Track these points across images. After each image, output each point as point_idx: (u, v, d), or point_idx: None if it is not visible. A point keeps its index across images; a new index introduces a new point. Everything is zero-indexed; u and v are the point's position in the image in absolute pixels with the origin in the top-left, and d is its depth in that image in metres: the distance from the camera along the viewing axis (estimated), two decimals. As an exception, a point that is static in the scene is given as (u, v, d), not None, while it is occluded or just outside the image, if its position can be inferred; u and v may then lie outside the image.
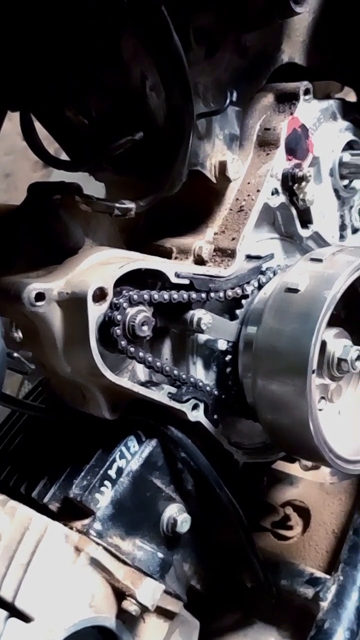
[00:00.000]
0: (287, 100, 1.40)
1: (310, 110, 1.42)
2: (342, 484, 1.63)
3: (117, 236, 1.30)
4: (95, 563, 1.17)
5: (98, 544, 1.18)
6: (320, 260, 1.25)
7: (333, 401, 1.38)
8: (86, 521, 1.19)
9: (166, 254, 1.34)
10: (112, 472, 1.21)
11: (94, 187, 1.42)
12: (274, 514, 1.65)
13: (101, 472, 1.21)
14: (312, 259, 1.26)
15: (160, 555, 1.24)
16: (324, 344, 1.26)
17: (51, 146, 1.34)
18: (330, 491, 1.63)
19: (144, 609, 1.19)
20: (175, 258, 1.34)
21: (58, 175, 1.35)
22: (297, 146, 1.38)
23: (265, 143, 1.37)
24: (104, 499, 1.20)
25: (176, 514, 1.26)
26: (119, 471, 1.22)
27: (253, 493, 1.51)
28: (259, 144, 1.38)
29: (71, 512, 1.21)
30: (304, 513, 1.64)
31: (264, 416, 1.26)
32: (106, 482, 1.20)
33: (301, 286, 1.21)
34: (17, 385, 2.32)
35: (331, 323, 1.29)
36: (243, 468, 1.41)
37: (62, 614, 1.12)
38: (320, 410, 1.36)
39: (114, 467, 1.22)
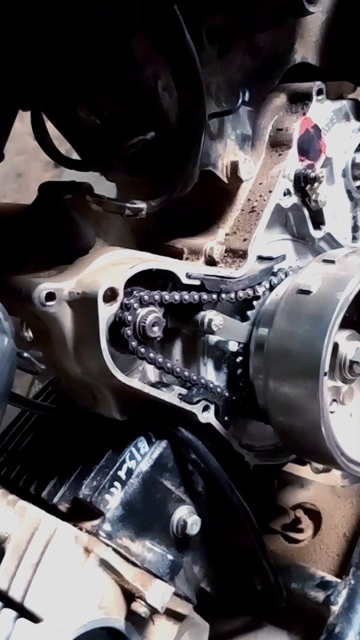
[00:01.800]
0: (300, 100, 1.39)
1: (323, 111, 1.41)
2: (353, 486, 1.62)
3: (128, 236, 1.29)
4: (104, 564, 1.17)
5: (108, 545, 1.17)
6: (332, 262, 1.24)
7: (345, 404, 1.36)
8: (96, 522, 1.18)
9: (177, 254, 1.33)
10: (121, 473, 1.21)
11: (105, 188, 1.42)
12: (285, 516, 1.64)
13: (111, 472, 1.21)
14: (325, 261, 1.26)
15: (170, 557, 1.24)
16: (336, 346, 1.25)
17: (62, 146, 1.34)
18: (341, 494, 1.62)
19: (153, 611, 1.18)
20: (187, 259, 1.33)
21: (69, 176, 1.35)
22: (309, 147, 1.37)
23: (278, 143, 1.37)
24: (113, 500, 1.19)
25: (186, 516, 1.26)
26: (129, 472, 1.22)
27: (263, 495, 1.51)
28: (271, 145, 1.37)
29: (81, 513, 1.20)
30: (315, 516, 1.63)
31: (276, 418, 1.26)
32: (116, 483, 1.20)
33: (313, 288, 1.21)
34: (27, 385, 2.32)
35: (343, 325, 1.28)
36: (254, 470, 1.40)
37: (72, 614, 1.12)
38: (332, 412, 1.36)
39: (124, 468, 1.21)
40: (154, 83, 1.16)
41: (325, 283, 1.20)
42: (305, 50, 1.42)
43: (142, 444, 1.24)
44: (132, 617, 1.19)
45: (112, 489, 1.20)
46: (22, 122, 1.25)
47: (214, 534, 1.33)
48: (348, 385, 1.34)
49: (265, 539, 1.48)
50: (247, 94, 1.28)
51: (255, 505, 1.34)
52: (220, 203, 1.36)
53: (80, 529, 1.18)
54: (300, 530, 1.61)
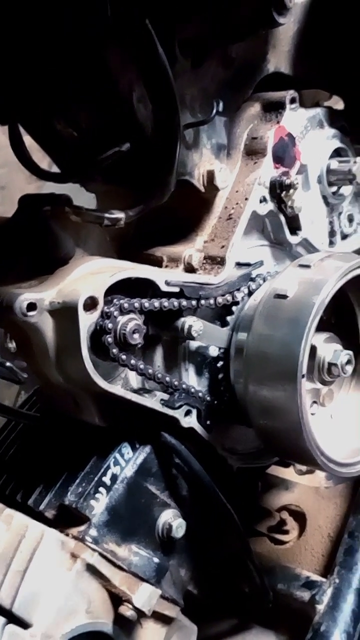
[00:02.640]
0: (274, 109, 1.42)
1: (297, 119, 1.44)
2: (337, 488, 1.65)
3: (108, 246, 1.31)
4: (91, 569, 1.19)
5: (94, 550, 1.19)
6: (308, 267, 1.27)
7: (325, 405, 1.39)
8: (82, 528, 1.20)
9: (157, 262, 1.35)
10: (106, 479, 1.23)
11: (86, 198, 1.44)
12: (270, 518, 1.66)
13: (96, 479, 1.22)
14: (301, 265, 1.28)
15: (156, 560, 1.25)
16: (314, 349, 1.27)
17: (45, 159, 1.36)
18: (325, 495, 1.65)
19: (140, 614, 1.20)
20: (166, 266, 1.35)
21: (51, 188, 1.37)
22: (284, 154, 1.40)
23: (253, 152, 1.39)
24: (99, 506, 1.21)
25: (171, 520, 1.27)
26: (114, 478, 1.23)
27: (248, 498, 1.52)
28: (246, 153, 1.40)
29: (67, 519, 1.22)
30: (300, 517, 1.65)
31: (257, 421, 1.28)
32: (101, 489, 1.22)
33: (290, 292, 1.23)
34: (14, 396, 2.33)
35: (321, 328, 1.30)
36: (237, 473, 1.42)
37: (60, 620, 1.14)
38: (312, 414, 1.38)
39: (109, 473, 1.23)
40: (129, 94, 1.18)
41: (302, 287, 1.23)
42: (278, 60, 1.45)
43: (126, 449, 1.26)
44: (120, 621, 1.20)
45: (97, 495, 1.21)
46: (5, 135, 1.28)
47: (200, 537, 1.35)
48: (327, 387, 1.36)
49: (251, 541, 1.51)
50: (221, 104, 1.31)
51: (240, 507, 1.36)
52: (198, 211, 1.38)
53: (67, 535, 1.20)
54: (286, 532, 1.64)
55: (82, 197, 1.41)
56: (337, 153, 1.53)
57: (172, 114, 1.15)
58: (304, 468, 1.58)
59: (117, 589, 1.20)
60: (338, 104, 1.70)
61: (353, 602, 1.40)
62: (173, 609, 1.31)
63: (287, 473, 1.70)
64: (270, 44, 1.41)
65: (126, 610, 1.20)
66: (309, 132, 1.48)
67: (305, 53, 1.49)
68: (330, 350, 1.29)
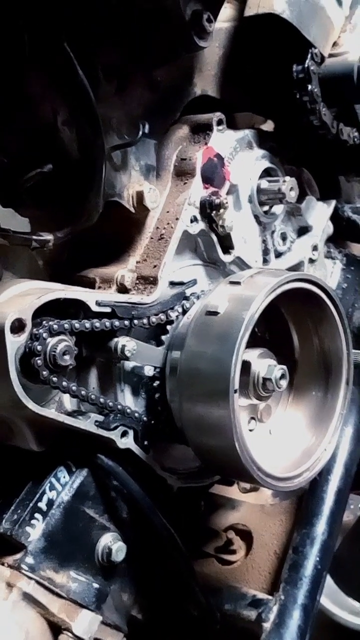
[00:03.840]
0: (202, 131, 1.44)
1: (225, 140, 1.46)
2: (282, 504, 1.64)
3: (38, 269, 1.31)
4: (28, 598, 1.16)
5: (30, 578, 1.17)
6: (238, 283, 1.28)
7: (263, 421, 1.40)
8: (18, 556, 1.18)
9: (90, 284, 1.35)
10: (42, 505, 1.21)
11: (19, 222, 1.44)
12: (217, 539, 1.65)
13: (31, 504, 1.20)
14: (231, 282, 1.30)
15: (96, 585, 1.24)
16: (248, 365, 1.28)
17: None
18: (270, 512, 1.64)
19: (81, 642, 1.18)
20: (99, 288, 1.35)
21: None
22: (213, 175, 1.42)
23: (182, 173, 1.41)
24: (35, 532, 1.19)
25: (111, 543, 1.26)
26: (50, 503, 1.22)
27: (191, 518, 1.52)
28: (176, 174, 1.41)
29: (2, 548, 1.20)
30: (247, 536, 1.64)
31: (193, 440, 1.28)
32: (37, 515, 1.20)
33: (220, 309, 1.24)
34: None
35: (256, 344, 1.32)
36: (179, 493, 1.41)
37: (-4, 652, 1.11)
38: (251, 430, 1.39)
39: (44, 499, 1.21)
40: (53, 118, 1.19)
41: (232, 303, 1.24)
42: (205, 84, 1.47)
43: (62, 473, 1.25)
44: (60, 650, 1.18)
45: (33, 521, 1.20)
46: None
47: (142, 560, 1.33)
48: (264, 403, 1.37)
49: (198, 563, 1.50)
50: (147, 127, 1.32)
51: (184, 528, 1.35)
52: (130, 232, 1.39)
53: (2, 564, 1.18)
54: (233, 552, 1.63)
55: (15, 222, 1.42)
56: (267, 173, 1.55)
57: (96, 136, 1.17)
58: (247, 486, 1.59)
59: (55, 617, 1.18)
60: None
61: (299, 617, 1.39)
62: (116, 635, 1.29)
63: (233, 492, 1.69)
64: (196, 67, 1.44)
65: (66, 639, 1.17)
66: (238, 153, 1.50)
67: (231, 76, 1.52)
68: (264, 365, 1.30)
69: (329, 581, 1.90)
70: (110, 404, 1.25)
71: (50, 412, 1.17)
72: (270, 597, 1.45)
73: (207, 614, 1.41)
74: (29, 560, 1.17)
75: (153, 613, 1.38)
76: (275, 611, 1.41)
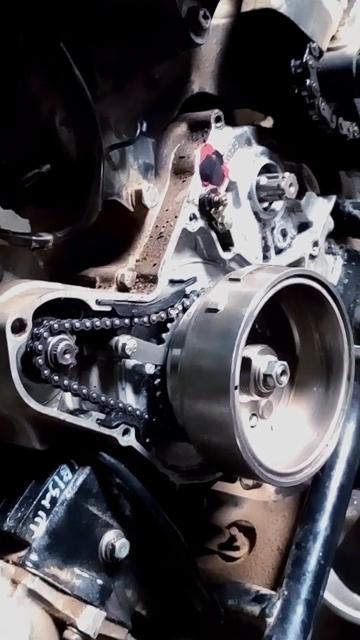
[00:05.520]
0: (200, 128, 1.44)
1: (223, 137, 1.47)
2: (285, 500, 1.65)
3: (38, 269, 1.32)
4: (33, 594, 1.17)
5: (35, 575, 1.18)
6: (238, 280, 1.28)
7: (265, 417, 1.40)
8: (22, 553, 1.19)
9: (90, 283, 1.36)
10: (45, 502, 1.22)
11: (19, 223, 1.45)
12: (221, 535, 1.66)
13: (34, 502, 1.21)
14: (231, 279, 1.30)
15: (100, 582, 1.25)
16: (249, 361, 1.28)
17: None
18: (274, 509, 1.65)
19: (86, 638, 1.19)
20: (99, 287, 1.36)
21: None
22: (212, 172, 1.42)
23: (181, 171, 1.41)
24: (39, 530, 1.20)
25: (114, 540, 1.27)
26: (53, 501, 1.23)
27: (194, 515, 1.52)
28: (174, 172, 1.42)
29: (7, 545, 1.21)
30: (250, 532, 1.65)
31: (194, 436, 1.28)
32: (40, 513, 1.21)
33: (220, 306, 1.24)
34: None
35: (257, 340, 1.32)
36: (181, 490, 1.42)
37: (1, 649, 1.12)
38: (252, 427, 1.39)
39: (48, 497, 1.22)
40: (51, 118, 1.20)
41: (232, 300, 1.24)
42: (203, 81, 1.48)
43: (65, 471, 1.25)
44: (65, 646, 1.19)
45: (36, 519, 1.21)
46: None
47: (146, 557, 1.34)
48: (266, 399, 1.37)
49: (202, 560, 1.51)
50: (144, 125, 1.33)
51: (187, 525, 1.36)
52: (129, 231, 1.39)
53: (7, 561, 1.19)
54: (237, 548, 1.64)
55: (16, 223, 1.42)
56: (266, 169, 1.56)
57: (94, 135, 1.17)
58: (250, 482, 1.59)
59: (60, 613, 1.19)
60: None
61: (302, 612, 1.40)
62: (121, 631, 1.30)
63: (236, 489, 1.70)
64: (193, 64, 1.44)
65: (71, 635, 1.19)
66: (237, 149, 1.50)
67: (230, 73, 1.52)
68: (265, 361, 1.30)
69: (333, 577, 1.91)
70: (112, 402, 1.25)
71: (52, 411, 1.18)
72: (273, 593, 1.45)
73: (211, 609, 1.42)
74: (33, 557, 1.18)
75: (157, 609, 1.38)
76: (279, 606, 1.41)
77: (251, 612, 1.44)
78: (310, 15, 1.48)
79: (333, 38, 1.58)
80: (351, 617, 1.93)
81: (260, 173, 1.54)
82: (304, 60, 1.46)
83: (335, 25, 1.58)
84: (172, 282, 1.38)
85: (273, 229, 1.60)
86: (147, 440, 1.31)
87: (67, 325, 1.16)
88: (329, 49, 1.56)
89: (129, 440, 1.28)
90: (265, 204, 1.56)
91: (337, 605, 1.93)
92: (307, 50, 1.47)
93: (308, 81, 1.47)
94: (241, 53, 1.52)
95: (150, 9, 1.20)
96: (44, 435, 1.23)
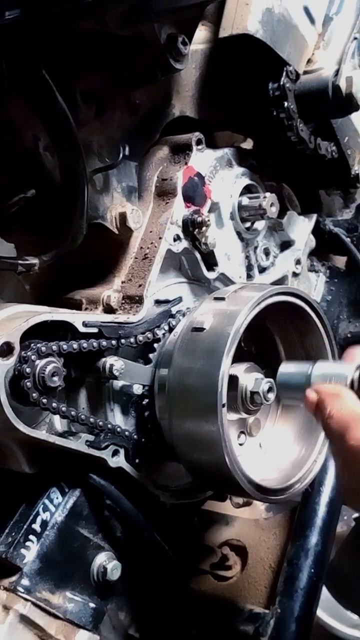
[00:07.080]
0: (181, 151, 1.47)
1: (204, 159, 1.49)
2: (275, 518, 1.65)
3: (25, 293, 1.32)
4: (25, 620, 1.16)
5: (27, 600, 1.17)
6: (223, 299, 1.30)
7: (253, 435, 1.41)
8: (13, 578, 1.18)
9: (76, 305, 1.37)
10: (36, 526, 1.22)
11: (5, 248, 1.46)
12: (212, 555, 1.65)
13: (25, 526, 1.21)
14: (216, 298, 1.32)
15: (93, 605, 1.24)
16: (235, 379, 1.29)
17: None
18: (265, 527, 1.65)
19: (79, 662, 1.18)
20: (86, 309, 1.37)
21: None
22: (194, 193, 1.45)
23: (164, 193, 1.43)
24: (30, 554, 1.20)
25: (106, 562, 1.27)
26: (44, 524, 1.22)
27: (185, 535, 1.52)
28: (157, 194, 1.44)
29: (-2, 571, 1.20)
30: (242, 551, 1.65)
31: (184, 455, 1.29)
32: (31, 537, 1.21)
33: (206, 324, 1.26)
34: None
35: (243, 358, 1.33)
36: (172, 510, 1.42)
37: None
38: (241, 444, 1.40)
39: (38, 520, 1.22)
40: (34, 144, 1.21)
41: (217, 319, 1.26)
42: (183, 105, 1.50)
43: (55, 494, 1.25)
44: (58, 671, 1.18)
45: (27, 543, 1.20)
46: None
47: (138, 578, 1.34)
48: (253, 417, 1.39)
49: (195, 580, 1.50)
50: (127, 149, 1.35)
51: (178, 545, 1.36)
52: (114, 253, 1.41)
53: (-1, 587, 1.18)
54: (229, 568, 1.63)
55: (2, 248, 1.43)
56: (247, 190, 1.58)
57: (77, 160, 1.19)
58: (240, 500, 1.59)
59: (53, 638, 1.18)
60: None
61: (295, 630, 1.39)
62: (114, 654, 1.29)
63: (227, 508, 1.70)
64: (173, 89, 1.47)
65: (65, 660, 1.18)
66: (218, 171, 1.53)
67: (209, 97, 1.55)
68: (252, 379, 1.31)
69: (326, 594, 1.90)
70: (101, 423, 1.26)
71: (41, 434, 1.18)
72: (267, 611, 1.45)
73: (205, 632, 1.41)
74: (25, 582, 1.18)
75: (150, 631, 1.38)
76: (272, 624, 1.41)
77: (245, 631, 1.43)
78: (286, 40, 1.51)
79: (309, 61, 1.63)
80: (344, 634, 1.93)
81: (241, 194, 1.56)
82: (282, 83, 1.50)
83: (310, 49, 1.62)
84: (158, 302, 1.39)
85: (256, 248, 1.62)
86: (137, 460, 1.32)
87: (54, 347, 1.17)
88: (305, 72, 1.60)
89: (119, 461, 1.28)
90: (248, 224, 1.58)
91: (331, 622, 1.92)
92: (284, 74, 1.50)
93: (286, 103, 1.50)
94: (220, 77, 1.56)
95: (130, 36, 1.23)
96: (34, 459, 1.23)
